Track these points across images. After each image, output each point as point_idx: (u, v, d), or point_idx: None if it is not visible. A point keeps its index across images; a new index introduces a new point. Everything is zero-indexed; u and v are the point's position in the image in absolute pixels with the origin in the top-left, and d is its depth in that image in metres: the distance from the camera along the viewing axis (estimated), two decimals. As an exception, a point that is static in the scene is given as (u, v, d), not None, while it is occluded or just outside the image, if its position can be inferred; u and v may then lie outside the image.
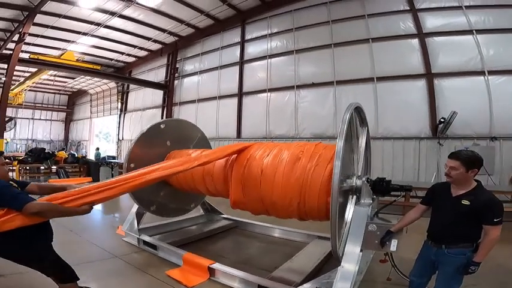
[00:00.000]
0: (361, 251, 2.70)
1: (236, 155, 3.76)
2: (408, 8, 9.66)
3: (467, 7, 8.90)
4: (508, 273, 3.62)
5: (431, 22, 9.29)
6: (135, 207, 5.09)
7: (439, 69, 8.93)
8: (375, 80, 9.82)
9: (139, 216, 5.09)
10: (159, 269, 3.92)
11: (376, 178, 3.40)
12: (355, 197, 3.31)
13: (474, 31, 8.59)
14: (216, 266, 3.60)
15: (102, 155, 18.02)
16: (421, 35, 9.25)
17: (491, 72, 8.28)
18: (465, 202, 2.22)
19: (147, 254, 4.49)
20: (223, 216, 6.34)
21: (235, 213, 6.13)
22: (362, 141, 3.82)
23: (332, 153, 3.21)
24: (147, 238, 4.68)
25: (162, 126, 5.10)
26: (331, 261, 3.90)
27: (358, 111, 3.65)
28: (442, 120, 8.47)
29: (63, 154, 15.03)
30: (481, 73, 8.38)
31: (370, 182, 3.34)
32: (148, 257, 4.40)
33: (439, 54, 8.98)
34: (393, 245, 2.61)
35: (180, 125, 5.71)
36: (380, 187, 3.28)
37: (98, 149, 19.26)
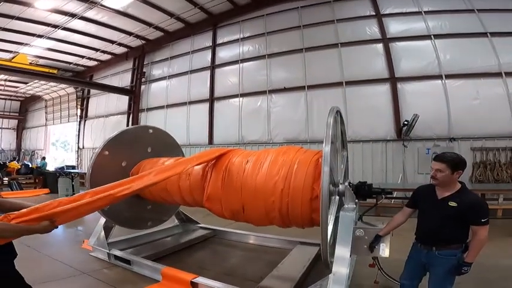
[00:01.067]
0: (350, 256, 2.68)
1: (214, 161, 3.62)
2: (374, 13, 10.14)
3: (426, 12, 9.55)
4: (490, 270, 3.75)
5: (394, 27, 9.82)
6: (103, 219, 4.71)
7: (401, 74, 9.41)
8: (344, 84, 10.13)
9: (107, 229, 4.72)
10: (136, 285, 3.64)
11: (358, 182, 3.46)
12: (337, 201, 3.33)
13: (432, 36, 9.21)
14: (200, 280, 3.40)
15: (60, 165, 16.67)
16: (385, 40, 9.73)
17: (448, 76, 8.90)
18: (452, 204, 2.27)
19: (119, 270, 4.15)
20: (200, 225, 6.10)
21: (212, 222, 5.95)
22: (340, 145, 3.88)
23: (311, 157, 3.20)
24: (118, 252, 4.33)
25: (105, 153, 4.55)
26: (317, 266, 3.89)
27: (339, 114, 3.70)
28: (406, 122, 8.92)
29: (15, 165, 13.69)
30: (439, 77, 8.97)
31: (352, 186, 3.38)
32: (122, 272, 4.08)
33: (401, 59, 9.49)
34: (382, 249, 2.63)
35: (153, 132, 5.39)
36: (362, 191, 3.33)
37: (44, 158, 17.81)
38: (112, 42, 14.13)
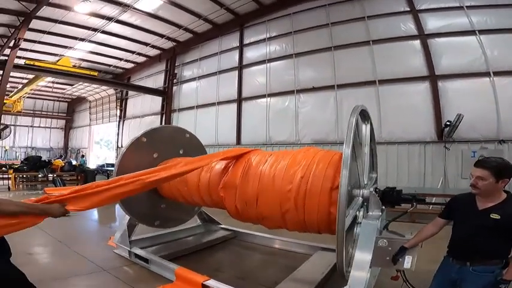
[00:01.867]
0: (369, 268, 2.40)
1: (234, 161, 3.51)
2: (408, 9, 9.47)
3: (468, 7, 8.70)
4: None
5: (432, 23, 9.10)
6: (127, 217, 4.81)
7: (442, 71, 8.69)
8: (377, 83, 9.61)
9: (131, 227, 4.80)
10: (150, 284, 3.63)
11: (385, 187, 3.14)
12: (362, 209, 3.04)
13: (477, 31, 8.38)
14: (211, 282, 3.30)
15: (102, 163, 17.85)
16: (423, 36, 9.05)
17: (496, 73, 8.03)
18: (494, 216, 1.95)
19: (138, 268, 4.20)
20: (221, 226, 6.04)
21: (233, 223, 5.85)
22: (367, 148, 3.56)
23: (330, 158, 2.95)
24: (138, 251, 4.39)
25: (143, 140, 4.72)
26: (335, 275, 3.60)
27: (364, 114, 3.40)
28: (448, 123, 8.21)
29: (59, 162, 14.80)
30: (486, 74, 8.14)
31: (378, 192, 3.07)
32: (140, 271, 4.12)
33: (442, 56, 8.77)
34: (407, 261, 2.32)
35: (189, 137, 5.43)
36: (390, 197, 3.02)
37: (83, 156, 19.12)
38: (146, 44, 14.77)
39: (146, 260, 4.20)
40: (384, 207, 3.07)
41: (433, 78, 8.74)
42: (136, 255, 4.37)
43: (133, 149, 4.55)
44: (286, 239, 5.06)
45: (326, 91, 10.58)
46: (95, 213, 8.32)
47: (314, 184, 2.81)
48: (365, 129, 3.44)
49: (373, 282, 3.11)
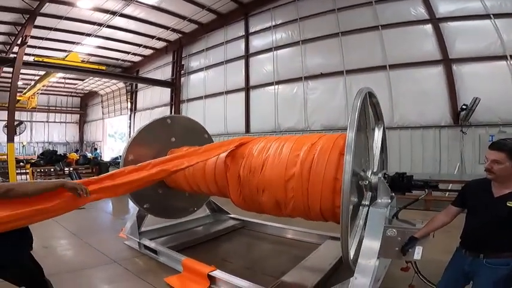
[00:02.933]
0: (377, 259, 2.30)
1: (234, 148, 3.45)
2: (418, -7, 9.04)
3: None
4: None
5: (444, 7, 8.71)
6: (137, 209, 4.85)
7: (456, 55, 8.39)
8: (388, 67, 9.36)
9: (140, 218, 4.85)
10: (158, 275, 3.67)
11: (395, 173, 3.00)
12: (369, 195, 2.91)
13: (491, 15, 7.97)
14: (217, 273, 3.30)
15: (115, 155, 18.20)
16: (434, 20, 8.71)
17: None
18: (511, 204, 1.79)
19: (147, 259, 4.25)
20: (230, 216, 6.04)
21: (242, 213, 5.84)
22: (377, 132, 3.41)
23: (333, 142, 2.83)
24: (147, 242, 4.43)
25: (168, 121, 4.98)
26: (344, 266, 3.53)
27: (371, 97, 3.23)
28: (464, 107, 7.92)
29: (74, 156, 15.16)
30: (503, 58, 7.78)
31: (387, 178, 2.93)
32: (149, 262, 4.17)
33: (455, 40, 8.44)
34: (417, 252, 2.21)
35: (182, 122, 5.43)
36: (399, 184, 2.88)
37: (96, 149, 19.50)
38: (152, 37, 14.71)
39: (155, 251, 4.24)
40: (393, 194, 2.95)
41: (446, 62, 8.45)
42: (146, 247, 4.42)
43: (154, 128, 4.77)
44: (295, 228, 5.00)
45: (335, 77, 10.38)
46: (108, 205, 8.52)
47: (317, 170, 2.71)
48: (372, 112, 3.26)
49: (383, 272, 3.02)
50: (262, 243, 5.00)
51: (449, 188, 7.33)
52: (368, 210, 2.64)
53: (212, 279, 3.30)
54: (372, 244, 2.35)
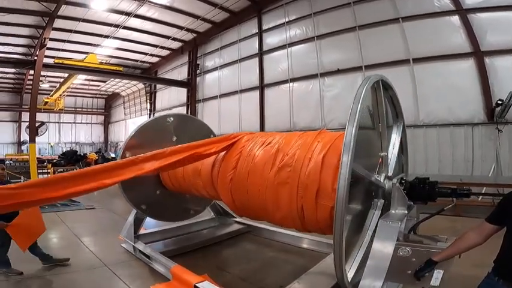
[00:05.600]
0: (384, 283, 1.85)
1: (225, 152, 3.10)
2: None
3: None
4: None
5: None
6: (134, 211, 4.64)
7: (489, 47, 7.65)
8: (411, 61, 8.70)
9: (138, 221, 4.64)
10: (146, 282, 3.44)
11: (415, 179, 2.49)
12: (381, 204, 2.45)
13: None
14: (204, 285, 2.95)
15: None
16: (462, 11, 8.01)
17: None
18: None
19: (140, 264, 4.03)
20: (235, 219, 5.70)
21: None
22: (395, 130, 2.93)
23: (331, 140, 2.38)
24: (141, 246, 4.19)
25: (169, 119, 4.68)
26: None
27: (386, 89, 2.75)
28: (500, 102, 7.18)
29: (93, 156, 15.52)
30: None
31: (405, 184, 2.44)
32: (141, 267, 3.95)
33: (487, 32, 7.71)
34: (436, 277, 1.73)
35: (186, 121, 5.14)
36: (420, 191, 2.38)
37: None
38: (167, 37, 14.80)
39: (148, 257, 3.99)
40: (412, 203, 2.46)
41: (478, 54, 7.73)
42: (140, 251, 4.18)
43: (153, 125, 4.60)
44: (304, 235, 4.55)
45: (353, 73, 9.81)
46: (120, 206, 8.48)
47: (308, 209, 2.31)
48: (385, 105, 2.76)
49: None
50: (266, 250, 4.62)
51: (483, 191, 6.59)
52: (377, 223, 2.19)
53: (199, 291, 2.97)
54: (378, 264, 1.90)
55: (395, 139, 3.01)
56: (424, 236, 2.26)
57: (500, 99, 7.14)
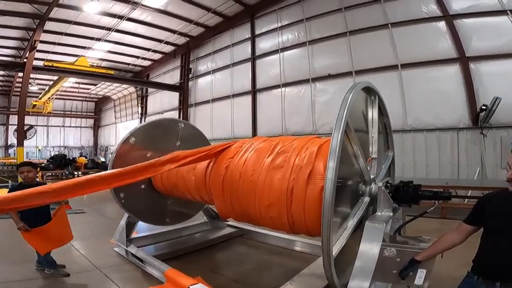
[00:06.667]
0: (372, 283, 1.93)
1: (212, 162, 3.22)
2: (430, -10, 8.64)
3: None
4: None
5: (457, 4, 8.31)
6: (126, 215, 4.63)
7: (474, 53, 7.94)
8: (399, 67, 8.95)
9: (130, 225, 4.62)
10: (140, 285, 3.45)
11: (399, 182, 2.60)
12: (371, 208, 2.55)
13: (509, 11, 7.49)
14: (198, 287, 2.98)
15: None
16: (448, 17, 8.30)
17: None
18: None
19: (133, 268, 4.01)
20: (228, 223, 5.73)
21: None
22: (374, 132, 3.03)
23: (315, 153, 2.46)
24: (134, 250, 4.19)
25: (131, 140, 4.42)
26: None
27: (371, 93, 2.87)
28: (484, 107, 7.44)
29: (83, 160, 15.32)
30: None
31: (390, 188, 2.55)
32: (134, 270, 3.92)
33: (472, 37, 8.01)
34: (419, 276, 1.82)
35: (154, 128, 5.09)
36: (404, 194, 2.48)
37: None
38: (160, 41, 14.81)
39: (141, 260, 4.00)
40: (396, 205, 2.56)
41: (463, 60, 8.02)
42: (133, 254, 4.18)
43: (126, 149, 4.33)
44: (296, 238, 4.63)
45: (344, 78, 10.06)
46: (110, 210, 8.40)
47: (296, 208, 2.38)
48: (372, 111, 2.88)
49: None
50: (259, 253, 4.67)
51: (468, 194, 6.81)
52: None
53: (193, 294, 3.00)
54: (365, 265, 1.98)
55: (375, 133, 3.09)
56: (409, 237, 2.37)
57: (484, 105, 7.40)
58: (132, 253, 4.20)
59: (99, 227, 6.65)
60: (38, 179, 4.27)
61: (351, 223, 2.33)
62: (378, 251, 1.99)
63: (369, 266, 1.95)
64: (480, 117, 7.56)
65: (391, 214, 2.37)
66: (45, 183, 3.23)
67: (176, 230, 5.26)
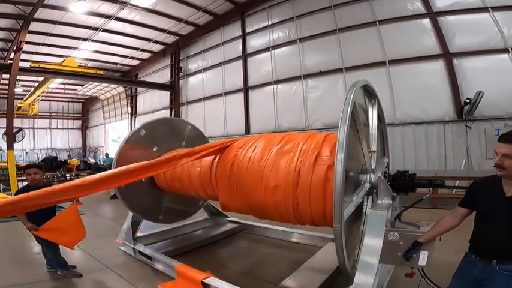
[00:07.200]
0: (378, 265, 2.13)
1: (218, 156, 3.36)
2: (414, -12, 8.91)
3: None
4: None
5: (441, 1, 8.58)
6: (131, 214, 4.72)
7: (457, 49, 8.25)
8: (387, 63, 9.24)
9: (135, 224, 4.72)
10: (152, 282, 3.53)
11: (397, 172, 2.82)
12: (370, 197, 2.75)
13: (490, 9, 7.81)
14: (210, 280, 3.13)
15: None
16: (432, 15, 8.57)
17: None
18: None
19: (142, 265, 4.11)
20: (229, 219, 5.89)
21: (242, 216, 5.68)
22: (374, 127, 3.24)
23: (319, 148, 2.65)
24: (142, 248, 4.29)
25: (142, 132, 4.60)
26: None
27: (368, 91, 3.07)
28: (468, 101, 7.77)
29: (75, 162, 15.09)
30: (505, 51, 7.62)
31: (388, 178, 2.76)
32: (143, 268, 4.03)
33: (455, 34, 8.30)
34: (422, 258, 2.03)
35: (164, 124, 5.25)
36: (401, 183, 2.70)
37: (107, 155, 19.13)
38: (149, 40, 14.66)
39: (150, 258, 4.10)
40: (395, 194, 2.77)
41: (447, 56, 8.32)
42: (141, 253, 4.28)
43: (134, 140, 4.48)
44: (296, 230, 4.84)
45: (334, 74, 10.28)
46: (108, 211, 8.41)
47: (302, 187, 2.55)
48: (371, 107, 3.09)
49: (387, 278, 2.83)
50: (261, 246, 4.84)
51: (456, 184, 7.17)
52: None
53: (206, 286, 3.15)
54: (372, 249, 2.18)
55: (374, 128, 3.30)
56: (408, 223, 2.57)
57: (468, 98, 7.71)
58: (140, 251, 4.29)
59: (101, 228, 6.68)
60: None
61: (350, 209, 2.52)
62: (382, 236, 2.18)
63: (376, 250, 2.14)
64: (464, 111, 7.87)
65: (391, 202, 2.57)
66: (51, 185, 3.13)
67: (179, 228, 5.38)
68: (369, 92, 3.06)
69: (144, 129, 4.56)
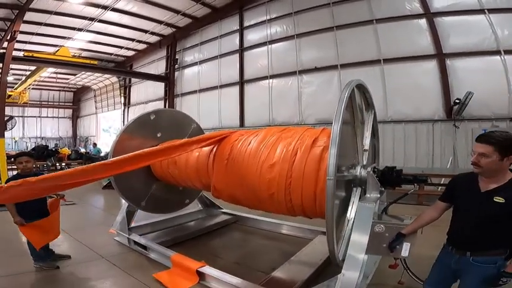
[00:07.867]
0: (365, 255, 2.27)
1: (217, 145, 3.48)
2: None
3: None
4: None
5: (438, 2, 8.66)
6: (126, 204, 4.79)
7: (450, 50, 8.38)
8: (382, 62, 9.33)
9: (130, 214, 4.80)
10: (147, 271, 3.62)
11: (385, 167, 2.97)
12: (359, 190, 2.89)
13: (486, 10, 7.94)
14: (205, 269, 3.26)
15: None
16: (429, 15, 8.65)
17: (507, 52, 7.66)
18: (498, 199, 1.74)
19: (137, 255, 4.20)
20: (222, 210, 6.00)
21: (235, 208, 5.80)
22: (367, 125, 3.37)
23: (317, 135, 2.80)
24: (136, 238, 4.38)
25: (152, 117, 4.76)
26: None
27: (362, 90, 3.19)
28: (457, 101, 7.96)
29: (66, 151, 14.96)
30: (497, 53, 7.78)
31: (377, 172, 2.90)
32: (138, 258, 4.12)
33: (450, 35, 8.42)
34: (405, 249, 2.17)
35: (173, 115, 5.37)
36: (389, 178, 2.85)
37: (95, 145, 18.79)
38: (145, 31, 14.45)
39: (145, 247, 4.19)
40: (383, 188, 2.92)
41: (440, 56, 8.44)
42: (135, 242, 4.37)
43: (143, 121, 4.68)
44: (288, 222, 4.98)
45: (329, 71, 10.35)
46: (101, 200, 8.44)
47: (298, 164, 2.69)
48: (363, 106, 3.22)
49: (373, 269, 2.99)
50: (254, 238, 4.98)
51: (442, 182, 7.39)
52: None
53: (201, 275, 3.27)
54: (359, 240, 2.32)
55: (367, 126, 3.43)
56: (393, 216, 2.73)
57: (458, 98, 7.89)
58: (134, 241, 4.38)
59: (94, 218, 6.76)
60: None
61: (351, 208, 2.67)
62: (369, 227, 2.32)
63: (363, 241, 2.28)
64: (454, 110, 8.04)
65: (379, 196, 2.71)
66: (43, 173, 3.13)
67: (173, 218, 5.46)
68: (361, 90, 3.17)
69: (154, 114, 4.76)
